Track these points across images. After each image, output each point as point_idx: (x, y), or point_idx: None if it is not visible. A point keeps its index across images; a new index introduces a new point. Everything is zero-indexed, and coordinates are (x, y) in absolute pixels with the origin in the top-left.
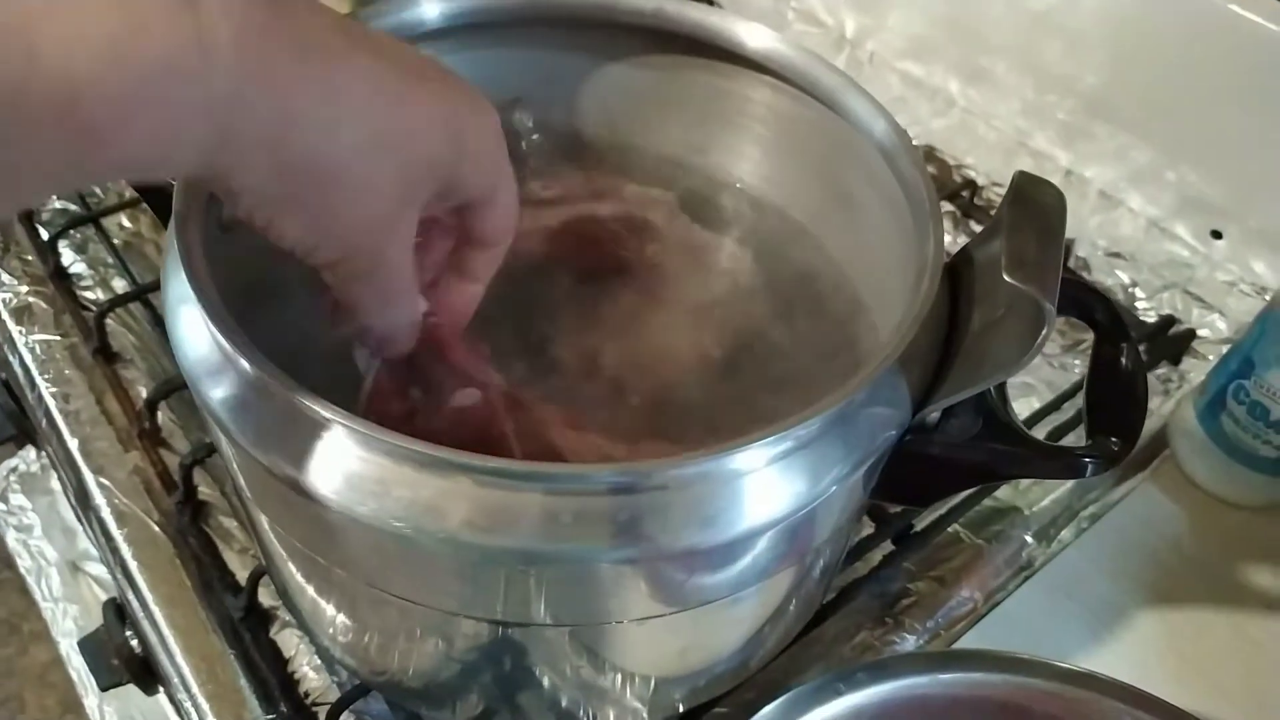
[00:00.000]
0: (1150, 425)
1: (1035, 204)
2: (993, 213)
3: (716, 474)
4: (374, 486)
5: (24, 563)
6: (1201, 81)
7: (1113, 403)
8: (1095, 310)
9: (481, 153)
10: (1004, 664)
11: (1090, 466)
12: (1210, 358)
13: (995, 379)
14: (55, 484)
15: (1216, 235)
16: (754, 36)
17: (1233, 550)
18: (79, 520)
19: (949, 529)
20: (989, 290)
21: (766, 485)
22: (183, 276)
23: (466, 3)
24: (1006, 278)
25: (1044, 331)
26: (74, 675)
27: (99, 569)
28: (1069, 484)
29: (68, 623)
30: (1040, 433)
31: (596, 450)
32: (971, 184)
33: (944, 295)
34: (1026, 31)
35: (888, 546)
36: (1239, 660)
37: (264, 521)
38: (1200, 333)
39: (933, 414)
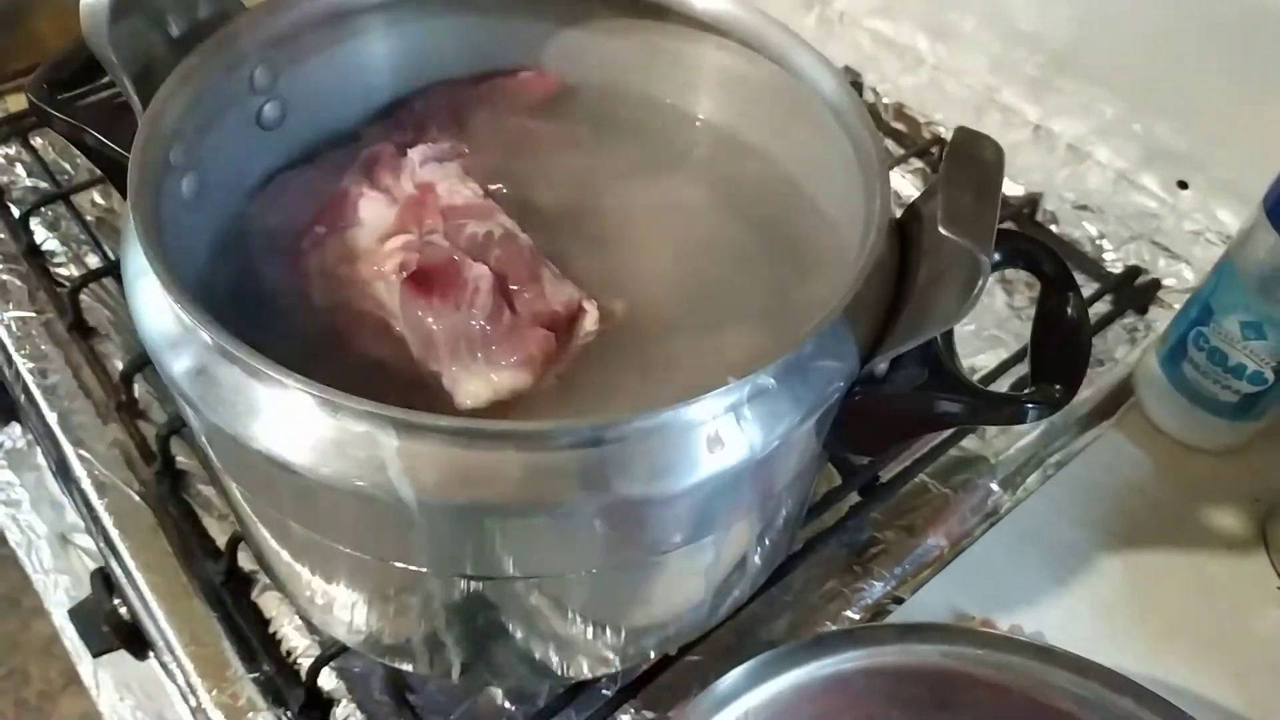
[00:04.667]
0: (1116, 373)
1: (973, 159)
2: None
3: (671, 425)
4: (337, 449)
5: (14, 537)
6: (1165, 35)
7: (1057, 351)
8: (1042, 262)
9: None
10: (953, 636)
11: (1032, 411)
12: (1176, 306)
13: (938, 329)
14: (42, 459)
15: (1183, 185)
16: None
17: (1196, 493)
18: (64, 493)
19: (916, 479)
20: (934, 245)
21: (719, 436)
22: (140, 250)
23: None
24: (942, 230)
25: (980, 283)
26: (68, 645)
27: (87, 540)
28: (1035, 432)
29: (60, 594)
30: (1005, 383)
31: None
32: (940, 140)
33: (893, 250)
34: None
35: (854, 498)
36: (1200, 599)
37: (234, 488)
38: (1166, 282)
39: (880, 365)
